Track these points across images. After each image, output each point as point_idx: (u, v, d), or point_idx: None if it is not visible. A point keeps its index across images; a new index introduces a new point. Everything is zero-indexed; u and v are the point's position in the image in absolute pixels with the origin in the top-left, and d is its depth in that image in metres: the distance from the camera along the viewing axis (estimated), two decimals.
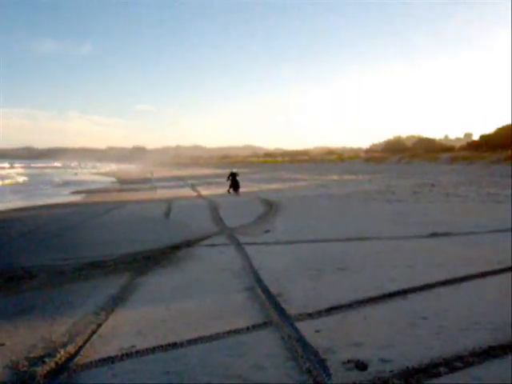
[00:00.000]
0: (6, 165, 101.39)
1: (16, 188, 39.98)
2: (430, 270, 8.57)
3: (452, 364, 4.77)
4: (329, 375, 4.59)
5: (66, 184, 45.28)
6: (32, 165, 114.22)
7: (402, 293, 7.19)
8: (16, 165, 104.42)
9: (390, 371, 4.63)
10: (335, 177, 44.65)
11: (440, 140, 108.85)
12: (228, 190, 28.94)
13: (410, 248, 10.67)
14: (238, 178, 29.45)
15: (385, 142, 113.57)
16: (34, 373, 4.84)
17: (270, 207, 19.25)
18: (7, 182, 46.93)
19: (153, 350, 5.36)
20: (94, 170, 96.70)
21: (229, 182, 29.34)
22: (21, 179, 50.95)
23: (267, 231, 13.39)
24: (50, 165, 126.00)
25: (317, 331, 5.70)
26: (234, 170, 30.68)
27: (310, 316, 6.27)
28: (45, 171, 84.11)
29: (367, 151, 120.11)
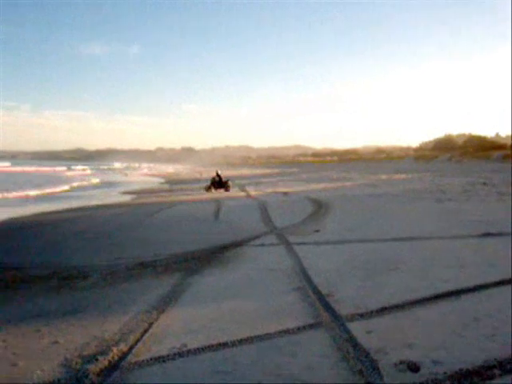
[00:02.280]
0: (80, 167, 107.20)
1: (98, 187, 42.39)
2: (483, 270, 8.40)
3: (506, 366, 4.68)
4: (380, 376, 4.55)
5: (129, 184, 46.66)
6: (97, 167, 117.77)
7: (454, 293, 7.07)
8: (85, 167, 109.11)
9: (443, 373, 4.57)
10: (384, 176, 44.13)
11: (491, 138, 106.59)
12: (208, 188, 31.73)
13: (462, 248, 10.48)
14: (222, 178, 32.24)
15: (435, 140, 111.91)
16: (87, 371, 4.93)
17: (319, 207, 19.16)
18: (85, 183, 48.67)
19: (204, 349, 5.40)
20: (145, 171, 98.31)
21: (210, 182, 32.33)
22: (94, 181, 52.43)
23: (317, 231, 13.34)
24: (111, 166, 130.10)
25: (368, 332, 5.66)
26: (219, 172, 32.93)
27: (362, 316, 6.23)
28: (109, 173, 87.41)
29: (417, 150, 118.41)
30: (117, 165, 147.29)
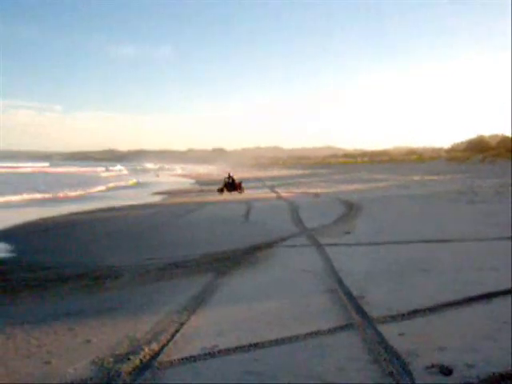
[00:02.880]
0: (117, 168, 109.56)
1: (133, 188, 43.68)
2: None
3: None
4: (412, 379, 4.51)
5: (161, 185, 47.56)
6: (132, 168, 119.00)
7: (487, 296, 6.98)
8: (122, 168, 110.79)
9: (476, 377, 4.52)
10: (416, 177, 43.67)
11: None
12: (221, 190, 31.38)
13: (494, 250, 10.35)
14: (235, 179, 32.31)
15: (467, 141, 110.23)
16: (119, 369, 4.97)
17: (351, 208, 19.07)
18: (122, 183, 49.51)
19: (234, 349, 5.41)
20: (176, 172, 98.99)
21: (223, 184, 32.11)
22: (130, 181, 53.06)
23: (348, 232, 13.28)
24: (144, 167, 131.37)
25: (400, 334, 5.61)
26: (231, 174, 32.74)
27: (393, 319, 6.18)
28: (143, 173, 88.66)
29: (449, 151, 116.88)
30: (149, 165, 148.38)
